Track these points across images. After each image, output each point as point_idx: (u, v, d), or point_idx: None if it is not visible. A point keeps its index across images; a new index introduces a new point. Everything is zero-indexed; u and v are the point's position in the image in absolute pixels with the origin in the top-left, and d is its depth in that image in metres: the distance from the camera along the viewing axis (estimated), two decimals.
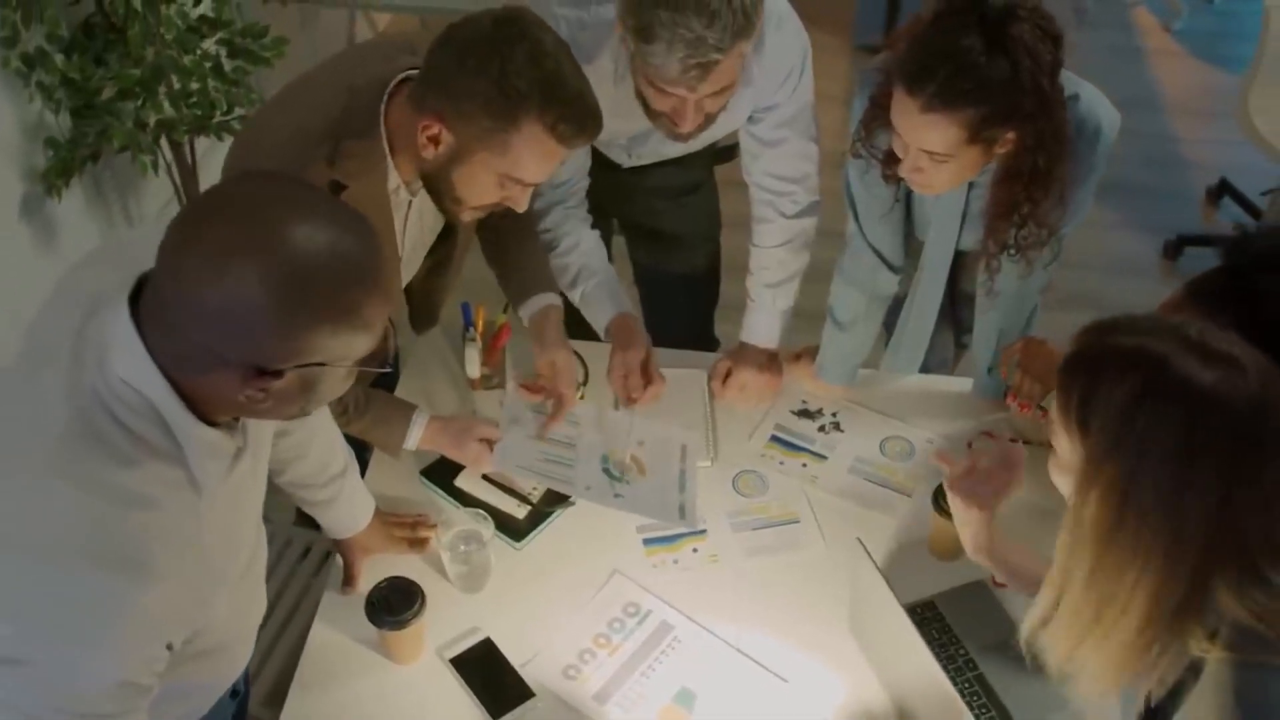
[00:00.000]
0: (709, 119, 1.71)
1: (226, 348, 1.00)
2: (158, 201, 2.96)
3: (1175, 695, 1.10)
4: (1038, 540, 1.60)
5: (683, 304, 2.42)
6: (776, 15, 1.78)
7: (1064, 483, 1.14)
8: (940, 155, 1.56)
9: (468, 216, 1.55)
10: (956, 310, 2.23)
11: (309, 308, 0.99)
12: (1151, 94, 4.39)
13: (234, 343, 1.00)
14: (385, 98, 1.47)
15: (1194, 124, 4.24)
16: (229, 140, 2.62)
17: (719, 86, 1.62)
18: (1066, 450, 1.10)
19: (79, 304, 1.09)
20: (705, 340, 2.50)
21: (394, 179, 1.52)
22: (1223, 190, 3.82)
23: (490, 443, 1.76)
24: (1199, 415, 1.00)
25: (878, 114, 1.67)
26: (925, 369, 2.12)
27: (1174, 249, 3.60)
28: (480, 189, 1.49)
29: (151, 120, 2.43)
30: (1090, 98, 1.64)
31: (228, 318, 0.98)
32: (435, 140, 1.44)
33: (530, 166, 1.46)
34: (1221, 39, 4.75)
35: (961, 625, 1.65)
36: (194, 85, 2.48)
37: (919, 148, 1.57)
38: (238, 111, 2.56)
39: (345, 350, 1.05)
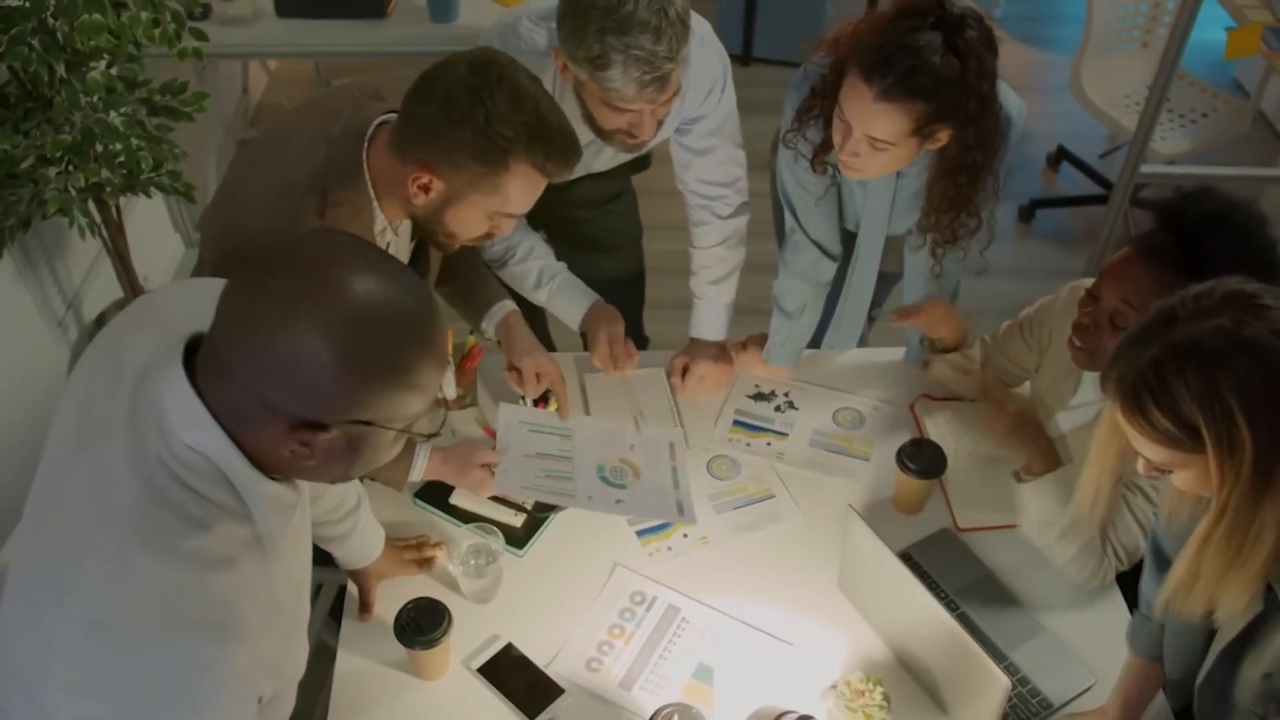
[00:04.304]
0: (659, 124, 1.74)
1: (276, 396, 0.95)
2: (85, 261, 2.80)
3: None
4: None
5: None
6: (699, 34, 1.79)
7: (1190, 483, 1.12)
8: (882, 143, 1.58)
9: (458, 246, 1.54)
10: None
11: (363, 360, 0.95)
12: None
13: (285, 391, 0.95)
14: (365, 144, 1.43)
15: (1027, 99, 4.39)
16: (157, 195, 2.50)
17: (671, 93, 1.65)
18: (1180, 461, 1.09)
19: (121, 376, 1.03)
20: (637, 339, 2.49)
21: (380, 221, 1.47)
22: (1061, 156, 4.01)
23: (491, 467, 1.73)
24: (1258, 359, 1.01)
25: (815, 104, 1.69)
26: None
27: (1027, 212, 3.76)
28: (472, 225, 1.48)
29: (82, 182, 2.30)
30: (1002, 91, 1.69)
31: (283, 365, 0.93)
32: (426, 189, 1.41)
33: (519, 201, 1.45)
34: (1039, 22, 4.96)
35: (938, 571, 1.70)
36: (117, 146, 2.35)
37: (864, 133, 1.58)
38: (166, 167, 2.44)
39: (394, 410, 1.00)
